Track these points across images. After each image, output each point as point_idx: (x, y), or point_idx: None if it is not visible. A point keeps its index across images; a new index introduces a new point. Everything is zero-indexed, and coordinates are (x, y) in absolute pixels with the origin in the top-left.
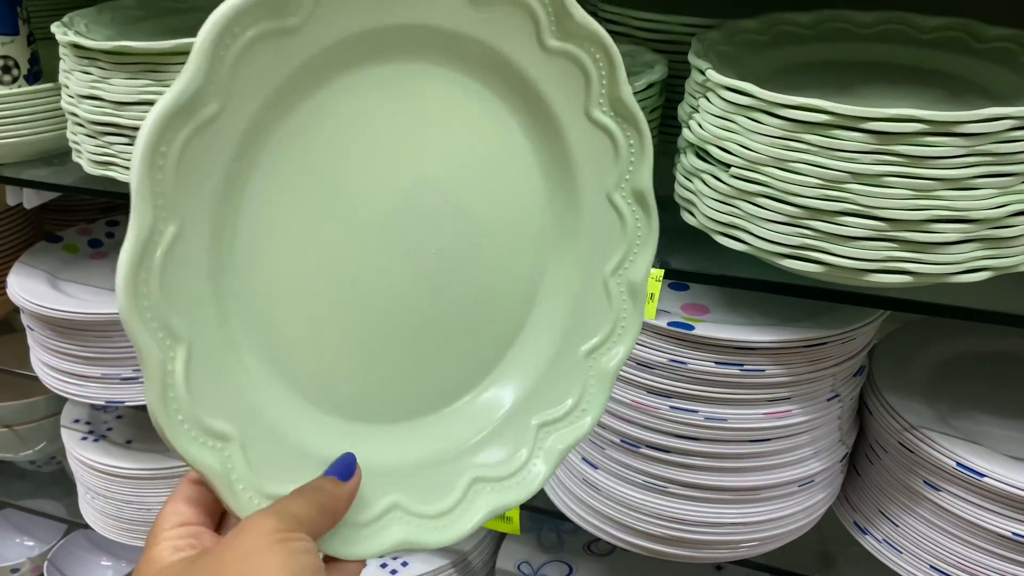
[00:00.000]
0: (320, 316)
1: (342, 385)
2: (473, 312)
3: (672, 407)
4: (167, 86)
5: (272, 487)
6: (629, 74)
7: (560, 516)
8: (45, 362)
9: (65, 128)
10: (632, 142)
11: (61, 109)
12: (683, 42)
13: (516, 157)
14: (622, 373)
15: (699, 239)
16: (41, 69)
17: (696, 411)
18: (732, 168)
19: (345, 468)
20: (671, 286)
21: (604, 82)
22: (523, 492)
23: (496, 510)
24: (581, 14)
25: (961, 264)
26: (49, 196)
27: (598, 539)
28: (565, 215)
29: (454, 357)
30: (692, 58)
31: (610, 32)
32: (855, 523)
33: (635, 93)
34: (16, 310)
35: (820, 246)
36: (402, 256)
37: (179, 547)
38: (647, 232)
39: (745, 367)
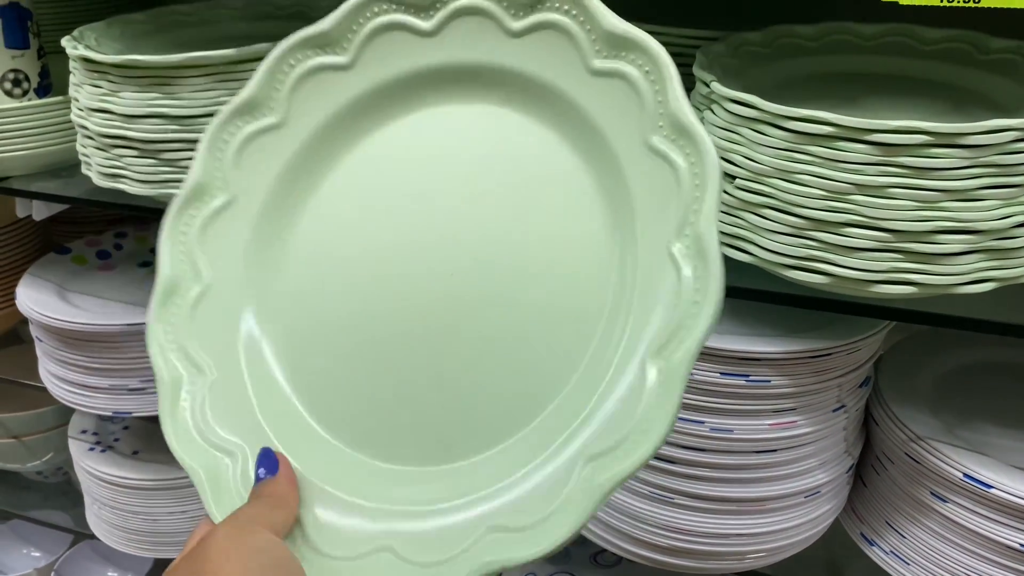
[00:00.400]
0: (353, 357)
1: (371, 424)
2: (522, 345)
3: (678, 418)
4: (176, 99)
5: None
6: None
7: None
8: (53, 373)
9: (74, 141)
10: (648, 69)
11: (70, 122)
12: (687, 54)
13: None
14: None
15: None
16: (51, 82)
17: (702, 422)
18: (737, 180)
19: (269, 465)
20: None
21: (591, 32)
22: (539, 546)
23: (496, 564)
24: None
25: (966, 275)
26: (58, 208)
27: (605, 550)
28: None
29: (503, 397)
30: (696, 70)
31: None
32: (862, 534)
33: None
34: (24, 321)
35: (825, 257)
36: (426, 293)
37: None
38: (703, 168)
39: (751, 378)
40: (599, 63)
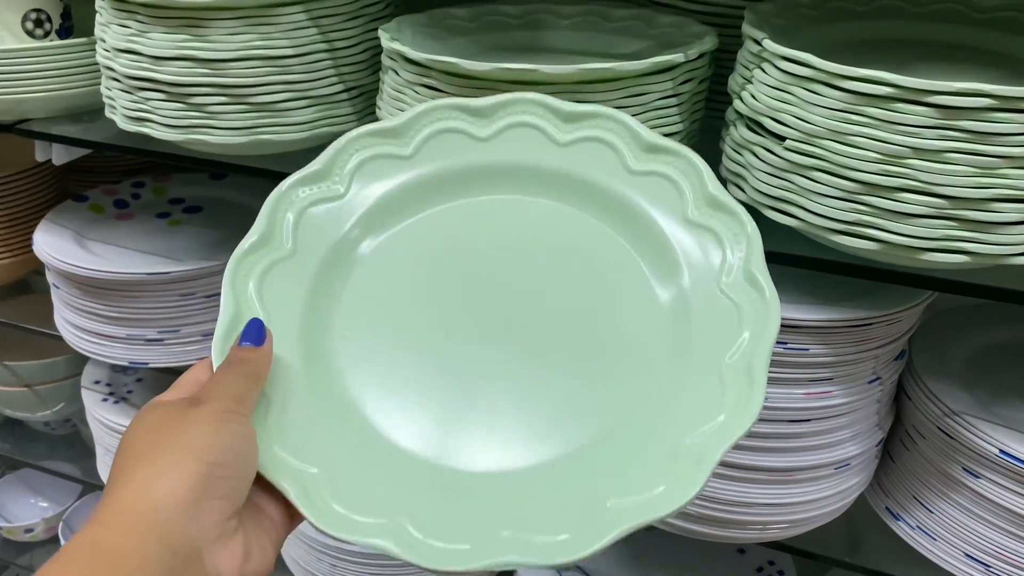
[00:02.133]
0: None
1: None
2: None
3: None
4: (207, 41)
5: None
6: (677, 46)
7: None
8: (70, 321)
9: (96, 85)
10: (682, 167)
11: (93, 65)
12: (728, 15)
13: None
14: None
15: None
16: (72, 24)
17: None
18: (787, 140)
19: (256, 334)
20: None
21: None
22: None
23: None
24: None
25: (1021, 246)
26: (79, 153)
27: None
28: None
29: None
30: (746, 27)
31: (656, 4)
32: (887, 509)
33: (687, 63)
34: (35, 271)
35: (876, 223)
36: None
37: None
38: (743, 229)
39: (789, 345)
40: (638, 166)
